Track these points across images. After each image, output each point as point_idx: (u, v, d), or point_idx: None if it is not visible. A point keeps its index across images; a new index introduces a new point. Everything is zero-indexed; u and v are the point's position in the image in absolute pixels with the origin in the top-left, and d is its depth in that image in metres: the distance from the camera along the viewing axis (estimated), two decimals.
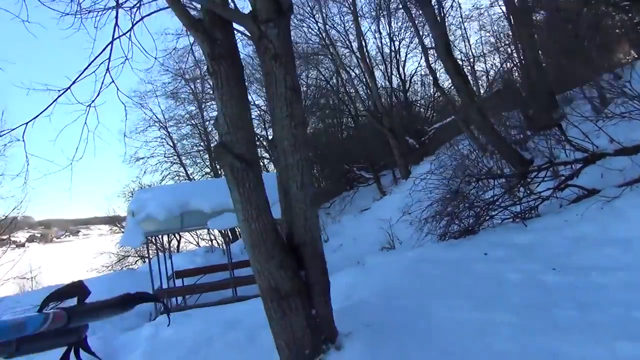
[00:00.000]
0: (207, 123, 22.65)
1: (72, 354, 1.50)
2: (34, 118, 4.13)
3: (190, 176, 23.02)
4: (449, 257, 5.44)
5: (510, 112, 11.10)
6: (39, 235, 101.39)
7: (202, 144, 22.99)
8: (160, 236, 10.55)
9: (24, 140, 4.24)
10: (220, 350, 4.21)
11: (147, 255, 23.14)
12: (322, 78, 21.63)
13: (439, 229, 7.11)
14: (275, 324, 2.98)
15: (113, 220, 24.90)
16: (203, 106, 22.51)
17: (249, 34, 3.26)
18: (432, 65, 13.29)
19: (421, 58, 19.62)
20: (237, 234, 23.15)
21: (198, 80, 21.89)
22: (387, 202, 14.60)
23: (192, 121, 23.54)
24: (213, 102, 22.21)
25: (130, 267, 21.79)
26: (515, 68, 12.16)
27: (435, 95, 19.54)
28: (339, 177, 21.41)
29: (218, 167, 18.97)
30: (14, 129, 4.11)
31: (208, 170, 22.72)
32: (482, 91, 14.28)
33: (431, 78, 20.00)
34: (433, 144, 15.72)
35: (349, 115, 22.77)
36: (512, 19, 11.20)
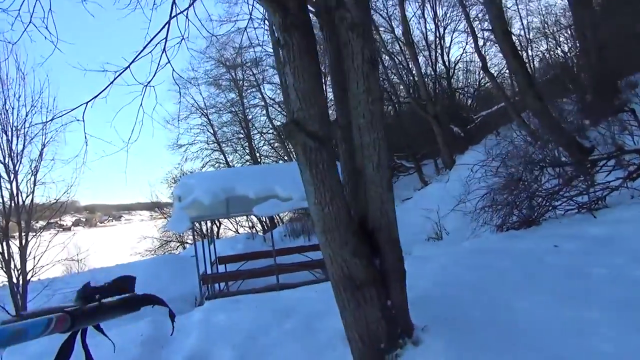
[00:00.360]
0: (247, 111, 22.71)
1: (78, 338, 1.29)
2: (94, 97, 4.04)
3: (230, 164, 23.16)
4: (513, 248, 5.11)
5: (567, 97, 10.51)
6: (84, 219, 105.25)
7: (242, 131, 23.05)
8: (202, 222, 10.58)
9: (83, 120, 4.16)
10: (278, 339, 4.04)
11: (188, 241, 23.57)
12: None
13: (497, 219, 6.76)
14: (348, 315, 2.77)
15: (154, 207, 25.38)
16: (243, 94, 22.51)
17: (319, 4, 3.03)
18: (480, 50, 12.73)
19: (466, 44, 19.01)
20: (276, 221, 23.22)
21: (239, 68, 21.89)
22: (431, 191, 14.21)
23: (233, 109, 23.61)
24: (253, 90, 22.24)
25: (172, 252, 22.17)
26: (573, 52, 11.51)
27: (481, 82, 18.89)
28: None
29: (289, 145, 18.68)
30: (74, 109, 4.03)
31: (248, 157, 22.79)
32: (536, 76, 13.64)
33: (477, 64, 19.42)
34: (479, 133, 15.19)
35: (389, 103, 22.37)
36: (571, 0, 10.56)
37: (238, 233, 22.97)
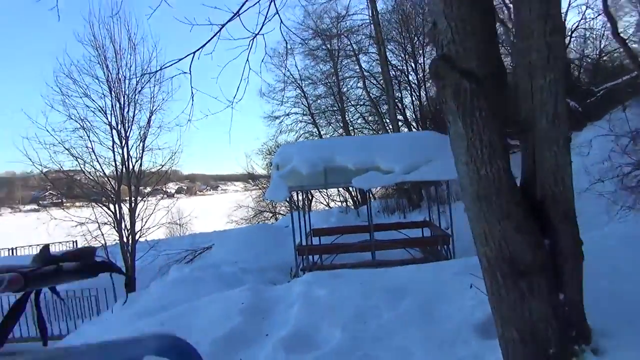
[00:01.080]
0: (341, 83, 22.15)
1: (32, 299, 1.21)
2: (201, 47, 3.69)
3: (323, 137, 22.87)
4: None
5: None
6: (185, 187, 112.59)
7: (336, 104, 22.59)
8: (296, 193, 10.27)
9: (190, 73, 3.85)
10: (393, 324, 3.52)
11: (280, 212, 23.88)
12: None
13: None
14: (505, 308, 2.15)
15: (248, 178, 25.90)
16: (338, 65, 21.94)
17: None
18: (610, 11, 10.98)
19: (585, 9, 16.81)
20: (367, 196, 22.71)
21: (335, 39, 21.27)
22: None
23: (327, 81, 23.15)
24: (349, 61, 21.57)
25: (266, 221, 22.57)
26: None
27: (603, 49, 16.68)
28: None
29: (385, 117, 18.39)
30: (181, 59, 3.72)
31: (341, 131, 22.33)
32: None
33: (597, 32, 17.13)
34: (600, 108, 13.38)
35: None
36: None
37: (329, 207, 22.81)
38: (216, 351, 3.45)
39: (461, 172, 2.19)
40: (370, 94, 19.57)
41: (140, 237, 14.04)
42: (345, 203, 22.93)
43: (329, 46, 21.55)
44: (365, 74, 20.28)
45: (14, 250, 22.33)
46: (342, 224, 13.61)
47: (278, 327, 4.02)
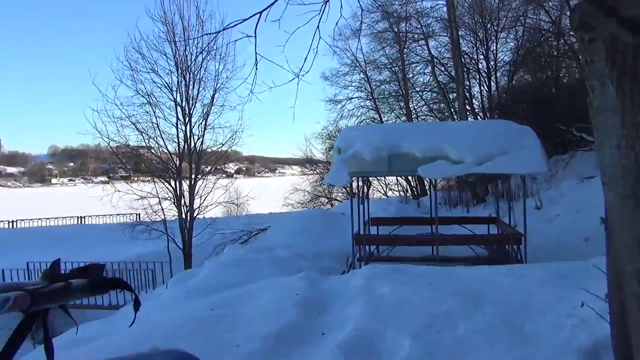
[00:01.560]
0: (407, 69, 21.25)
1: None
2: (269, 7, 3.25)
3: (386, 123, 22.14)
4: None
5: None
6: (244, 168, 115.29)
7: (400, 90, 21.73)
8: (357, 179, 9.73)
9: (255, 36, 3.43)
10: (472, 337, 2.97)
11: (337, 198, 23.48)
12: (543, 22, 18.26)
13: None
14: None
15: (306, 162, 25.64)
16: (405, 51, 21.03)
17: None
18: None
19: None
20: (429, 187, 21.79)
21: (402, 22, 20.35)
22: None
23: (392, 65, 22.33)
24: (415, 44, 20.61)
25: (321, 207, 22.29)
26: None
27: None
28: (551, 137, 18.22)
29: (454, 105, 17.62)
30: (246, 19, 3.30)
31: (404, 118, 21.50)
32: None
33: None
34: None
35: (571, 66, 19.07)
36: None
37: (386, 196, 22.14)
38: (268, 350, 3.05)
39: (607, 159, 1.60)
40: (438, 80, 18.56)
41: (198, 214, 14.10)
42: (403, 192, 22.18)
43: (396, 29, 20.69)
44: (429, 60, 19.25)
45: (82, 219, 23.45)
46: (401, 214, 13.01)
47: (336, 326, 3.58)
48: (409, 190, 22.28)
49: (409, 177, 21.19)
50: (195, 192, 13.79)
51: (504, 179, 13.60)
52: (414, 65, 21.04)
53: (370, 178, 10.76)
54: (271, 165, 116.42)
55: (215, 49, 13.74)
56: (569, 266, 4.46)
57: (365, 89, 22.58)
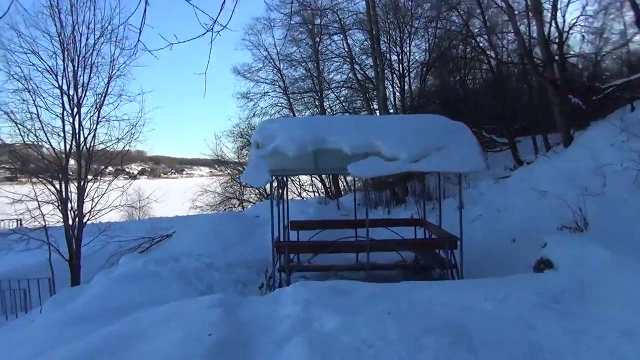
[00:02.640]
0: (322, 65, 20.48)
1: None
2: None
3: None
4: None
5: None
6: (149, 169, 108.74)
7: (314, 87, 20.88)
8: (277, 178, 8.56)
9: None
10: None
11: (250, 200, 22.05)
12: (455, 24, 18.43)
13: None
14: None
15: (215, 163, 23.90)
16: (320, 46, 20.24)
17: None
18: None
19: (586, 5, 15.70)
20: (342, 188, 21.15)
21: (317, 16, 19.49)
22: (541, 170, 11.61)
23: (306, 62, 21.42)
24: (331, 40, 19.87)
25: (233, 209, 20.77)
26: None
27: (604, 47, 15.64)
28: None
29: (373, 100, 16.64)
30: None
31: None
32: None
33: (591, 29, 16.10)
34: (605, 106, 12.28)
35: (481, 68, 19.50)
36: None
37: (301, 197, 21.17)
38: None
39: None
40: (357, 75, 17.91)
41: (89, 219, 12.05)
42: (318, 193, 21.37)
43: (310, 25, 19.82)
44: (347, 56, 18.56)
45: None
46: (322, 216, 12.04)
47: None
48: (324, 190, 21.52)
49: (322, 176, 20.39)
50: (86, 195, 11.72)
51: (423, 178, 13.23)
52: (329, 62, 20.31)
53: (286, 177, 9.61)
54: (178, 166, 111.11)
55: (111, 30, 11.83)
56: (551, 281, 3.66)
57: (279, 86, 21.45)
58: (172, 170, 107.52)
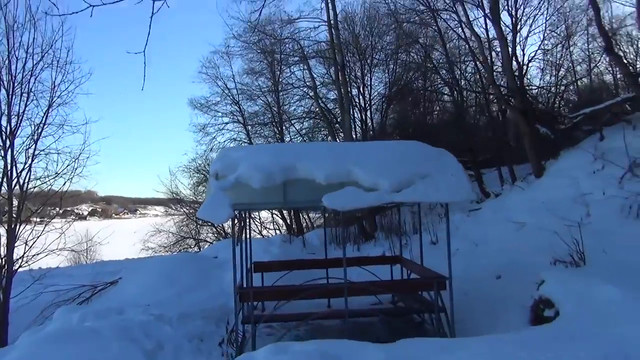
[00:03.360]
0: (282, 96, 19.79)
1: None
2: None
3: None
4: None
5: None
6: (100, 210, 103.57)
7: (273, 119, 20.07)
8: (239, 214, 7.45)
9: None
10: None
11: (207, 239, 20.56)
12: (418, 55, 18.31)
13: None
14: None
15: (169, 201, 22.37)
16: (281, 77, 19.61)
17: None
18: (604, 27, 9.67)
19: (543, 39, 15.91)
20: (304, 225, 20.12)
21: (276, 52, 18.99)
22: (514, 201, 11.10)
23: (265, 97, 20.70)
24: (291, 69, 19.27)
25: (189, 249, 19.24)
26: None
27: (565, 78, 15.77)
28: None
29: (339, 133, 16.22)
30: None
31: None
32: None
33: (553, 61, 16.28)
34: (574, 136, 12.09)
35: (442, 100, 19.40)
36: None
37: (261, 235, 19.92)
38: None
39: None
40: (321, 105, 17.21)
41: (20, 266, 10.38)
42: (279, 230, 20.21)
43: (269, 59, 19.22)
44: (310, 85, 17.91)
45: None
46: (287, 256, 10.94)
47: None
48: (285, 227, 20.40)
49: (282, 211, 19.29)
50: (17, 238, 10.13)
51: (397, 210, 12.47)
52: (290, 94, 19.65)
53: (249, 213, 8.52)
54: (131, 205, 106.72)
55: (53, 53, 10.61)
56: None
57: (238, 120, 20.53)
58: (125, 211, 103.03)
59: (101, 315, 7.45)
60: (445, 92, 17.89)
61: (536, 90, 15.74)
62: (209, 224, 18.57)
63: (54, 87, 10.80)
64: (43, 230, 10.54)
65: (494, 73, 14.16)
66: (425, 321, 6.92)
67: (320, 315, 6.33)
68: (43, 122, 10.59)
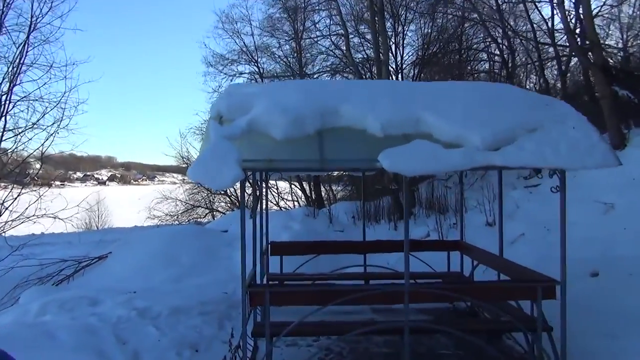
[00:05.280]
0: (305, 58, 17.51)
1: None
2: None
3: None
4: None
5: None
6: (119, 175, 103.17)
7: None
8: (253, 175, 5.17)
9: None
10: None
11: (219, 209, 18.60)
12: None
13: None
14: None
15: (182, 163, 20.40)
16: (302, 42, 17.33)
17: None
18: None
19: None
20: (325, 196, 18.01)
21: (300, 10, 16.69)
22: (598, 177, 8.77)
23: (287, 59, 18.45)
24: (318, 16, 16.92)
25: (200, 219, 17.34)
26: None
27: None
28: None
29: None
30: None
31: None
32: None
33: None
34: None
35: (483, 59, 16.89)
36: None
37: (278, 207, 17.86)
38: None
39: None
40: (351, 57, 14.78)
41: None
42: (298, 202, 18.14)
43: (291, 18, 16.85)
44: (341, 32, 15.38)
45: None
46: (311, 234, 8.85)
47: None
48: (302, 198, 18.31)
49: (300, 178, 17.12)
50: None
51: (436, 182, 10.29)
52: (313, 50, 17.32)
53: (267, 176, 6.30)
54: (149, 172, 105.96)
55: None
56: None
57: (256, 80, 18.28)
58: (143, 177, 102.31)
59: (68, 306, 5.51)
60: (492, 51, 15.32)
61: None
62: (220, 191, 16.55)
63: (34, 18, 8.71)
64: (20, 194, 8.62)
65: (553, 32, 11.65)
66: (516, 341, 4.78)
67: (370, 328, 4.24)
68: (19, 59, 8.54)
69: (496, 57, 15.04)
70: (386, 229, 10.09)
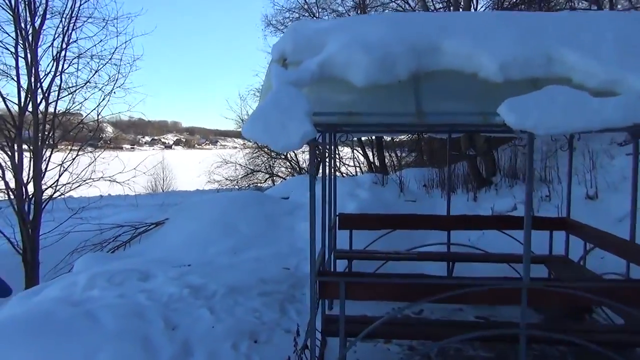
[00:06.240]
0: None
1: None
2: None
3: None
4: None
5: None
6: (184, 140, 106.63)
7: None
8: (328, 135, 4.14)
9: None
10: None
11: (279, 174, 18.05)
12: None
13: None
14: None
15: (238, 128, 19.94)
16: None
17: None
18: None
19: None
20: (389, 160, 16.88)
21: None
22: None
23: (348, 14, 17.05)
24: None
25: (259, 184, 16.84)
26: None
27: None
28: None
29: None
30: None
31: None
32: None
33: None
34: None
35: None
36: None
37: (341, 173, 16.96)
38: None
39: None
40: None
41: (55, 193, 8.28)
42: (360, 169, 17.14)
43: None
44: None
45: None
46: (379, 204, 7.90)
47: None
48: (366, 164, 17.25)
49: (362, 141, 15.99)
50: (45, 160, 7.94)
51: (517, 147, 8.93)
52: (377, 8, 15.81)
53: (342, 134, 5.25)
54: (212, 137, 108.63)
55: None
56: None
57: None
58: (207, 142, 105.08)
59: (118, 279, 4.97)
60: None
61: None
62: (281, 154, 15.78)
63: None
64: (75, 158, 8.25)
65: None
66: None
67: (471, 336, 3.27)
68: (72, 11, 7.98)
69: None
70: (464, 200, 8.89)
